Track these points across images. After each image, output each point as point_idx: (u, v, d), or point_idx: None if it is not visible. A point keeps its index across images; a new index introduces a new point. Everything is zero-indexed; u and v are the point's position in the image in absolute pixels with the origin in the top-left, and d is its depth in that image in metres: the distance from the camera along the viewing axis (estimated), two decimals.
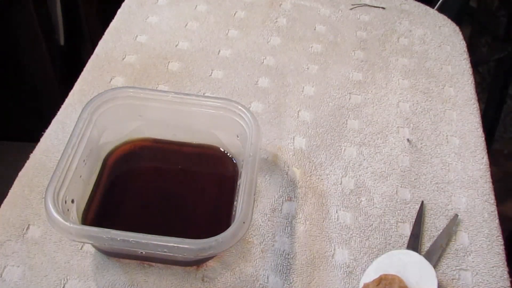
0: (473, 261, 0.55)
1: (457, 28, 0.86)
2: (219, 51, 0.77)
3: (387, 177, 0.62)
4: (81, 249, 0.53)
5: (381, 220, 0.58)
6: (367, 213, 0.58)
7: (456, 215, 0.59)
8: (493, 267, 0.55)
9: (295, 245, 0.55)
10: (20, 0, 1.13)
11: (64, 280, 0.50)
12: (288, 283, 0.52)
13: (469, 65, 0.79)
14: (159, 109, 0.57)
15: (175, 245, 0.45)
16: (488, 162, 0.65)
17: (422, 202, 0.60)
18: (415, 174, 0.63)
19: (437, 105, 0.72)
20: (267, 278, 0.52)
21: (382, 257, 0.53)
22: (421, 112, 0.71)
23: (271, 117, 0.68)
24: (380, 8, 0.88)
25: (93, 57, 0.74)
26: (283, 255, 0.54)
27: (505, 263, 0.55)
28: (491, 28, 1.57)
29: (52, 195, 0.46)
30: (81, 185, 0.53)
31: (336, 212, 0.58)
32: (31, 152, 0.61)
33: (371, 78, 0.75)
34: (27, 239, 0.53)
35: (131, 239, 0.45)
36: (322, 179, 0.61)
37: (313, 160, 0.63)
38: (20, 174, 0.58)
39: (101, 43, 0.76)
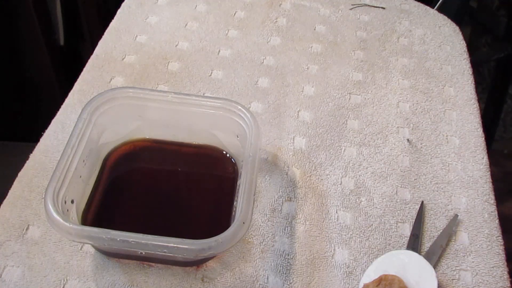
0: (473, 262, 0.55)
1: (457, 28, 0.86)
2: (219, 51, 0.77)
3: (387, 177, 0.62)
4: (80, 249, 0.53)
5: (381, 220, 0.58)
6: (367, 213, 0.58)
7: (456, 215, 0.58)
8: (493, 267, 0.55)
9: (295, 246, 0.55)
10: (20, 0, 1.13)
11: (63, 280, 0.50)
12: (288, 283, 0.52)
13: (469, 65, 0.79)
14: (159, 109, 0.57)
15: (174, 245, 0.45)
16: (488, 162, 0.65)
17: (422, 202, 0.60)
18: (415, 174, 0.63)
19: (437, 105, 0.72)
20: (267, 278, 0.52)
21: (382, 257, 0.53)
22: (421, 112, 0.71)
23: (271, 117, 0.68)
24: (380, 8, 0.88)
25: (93, 57, 0.74)
26: (283, 256, 0.54)
27: (505, 263, 0.55)
28: (491, 28, 1.57)
29: (52, 195, 0.46)
30: (80, 185, 0.53)
31: (336, 212, 0.58)
32: (31, 152, 0.61)
33: (371, 78, 0.75)
34: (26, 239, 0.53)
35: (131, 240, 0.45)
36: (322, 179, 0.61)
37: (313, 160, 0.63)
38: (20, 174, 0.58)
39: (101, 43, 0.76)
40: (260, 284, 0.52)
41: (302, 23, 0.83)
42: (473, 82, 0.76)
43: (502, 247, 0.56)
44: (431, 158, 0.65)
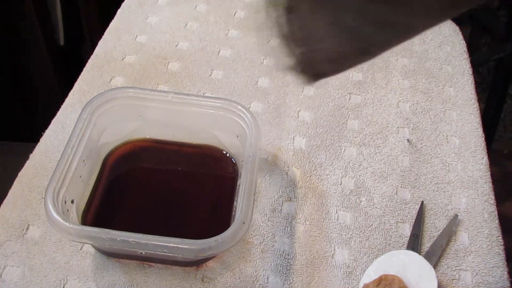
0: (473, 262, 0.55)
1: (457, 28, 0.86)
2: (219, 51, 0.77)
3: (387, 177, 0.62)
4: (80, 249, 0.53)
5: (381, 220, 0.58)
6: (367, 213, 0.58)
7: (456, 215, 0.58)
8: (493, 267, 0.55)
9: (295, 245, 0.55)
10: (20, 0, 1.13)
11: (63, 280, 0.50)
12: (288, 283, 0.52)
13: (469, 65, 0.79)
14: (159, 109, 0.57)
15: (174, 245, 0.45)
16: (488, 162, 0.65)
17: (422, 202, 0.60)
18: (415, 174, 0.63)
19: (437, 105, 0.72)
20: (267, 278, 0.52)
21: (382, 257, 0.53)
22: (421, 112, 0.71)
23: (271, 117, 0.68)
24: None
25: (93, 57, 0.74)
26: (283, 256, 0.54)
27: (505, 263, 0.55)
28: (491, 28, 1.57)
29: (52, 195, 0.46)
30: (80, 185, 0.53)
31: (336, 212, 0.58)
32: (31, 152, 0.61)
33: (371, 78, 0.75)
34: (26, 239, 0.53)
35: (131, 240, 0.45)
36: (322, 179, 0.61)
37: (313, 160, 0.63)
38: (20, 174, 0.58)
39: (101, 43, 0.76)
40: (260, 284, 0.52)
41: None
42: (473, 82, 0.76)
43: (502, 247, 0.56)
44: (431, 158, 0.65)
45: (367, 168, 0.63)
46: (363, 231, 0.57)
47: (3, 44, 1.20)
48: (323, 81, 0.39)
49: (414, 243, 0.55)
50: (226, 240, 0.45)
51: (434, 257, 0.54)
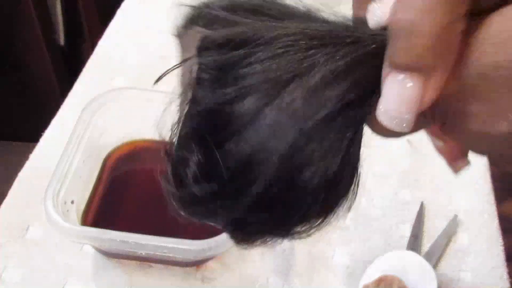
0: (473, 262, 0.55)
1: None
2: None
3: (387, 178, 0.62)
4: (80, 250, 0.53)
5: (381, 221, 0.58)
6: (367, 214, 0.58)
7: (456, 216, 0.58)
8: (493, 268, 0.55)
9: (295, 246, 0.55)
10: (21, 0, 1.13)
11: (63, 281, 0.50)
12: (288, 284, 0.52)
13: None
14: (160, 109, 0.57)
15: (174, 246, 0.45)
16: (488, 162, 0.65)
17: (422, 203, 0.60)
18: (415, 175, 0.63)
19: None
20: (267, 279, 0.52)
21: (382, 258, 0.53)
22: None
23: None
24: None
25: (93, 57, 0.74)
26: (283, 256, 0.54)
27: (505, 263, 0.55)
28: None
29: (52, 196, 0.46)
30: (80, 186, 0.53)
31: None
32: (31, 152, 0.61)
33: None
34: (27, 240, 0.53)
35: (131, 240, 0.45)
36: None
37: None
38: (20, 174, 0.58)
39: (101, 43, 0.76)
40: (260, 284, 0.52)
41: None
42: None
43: (502, 248, 0.56)
44: (431, 158, 0.65)
45: (367, 169, 0.63)
46: (363, 231, 0.57)
47: (3, 44, 1.20)
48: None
49: (414, 244, 0.55)
50: (226, 241, 0.45)
51: (434, 257, 0.54)
